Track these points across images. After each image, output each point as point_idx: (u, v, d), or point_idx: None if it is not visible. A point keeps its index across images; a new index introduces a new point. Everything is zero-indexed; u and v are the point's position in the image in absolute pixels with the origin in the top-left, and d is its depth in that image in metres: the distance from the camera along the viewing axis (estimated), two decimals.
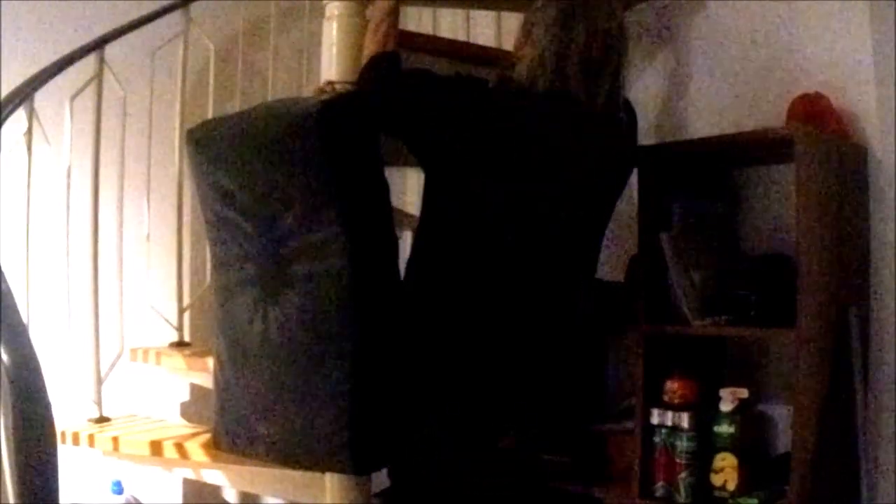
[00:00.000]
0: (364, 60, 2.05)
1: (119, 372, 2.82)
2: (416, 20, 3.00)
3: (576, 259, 2.00)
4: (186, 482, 3.06)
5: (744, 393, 2.10)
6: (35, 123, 2.58)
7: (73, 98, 2.72)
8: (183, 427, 2.82)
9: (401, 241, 2.02)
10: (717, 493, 2.09)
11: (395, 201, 2.05)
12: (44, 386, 1.61)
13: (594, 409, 2.43)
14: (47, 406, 1.59)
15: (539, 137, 1.92)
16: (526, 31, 1.97)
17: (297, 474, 2.17)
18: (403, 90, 1.99)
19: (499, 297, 1.90)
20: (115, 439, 2.57)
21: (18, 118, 2.51)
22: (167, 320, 2.94)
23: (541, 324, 1.93)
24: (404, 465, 1.96)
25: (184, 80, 2.94)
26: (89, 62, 2.69)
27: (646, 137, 2.51)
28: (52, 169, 2.74)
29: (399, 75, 2.01)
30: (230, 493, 3.25)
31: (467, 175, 1.94)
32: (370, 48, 2.03)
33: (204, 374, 2.59)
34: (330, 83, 2.10)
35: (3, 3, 2.85)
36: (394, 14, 2.05)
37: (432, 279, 1.96)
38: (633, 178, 2.29)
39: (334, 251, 1.93)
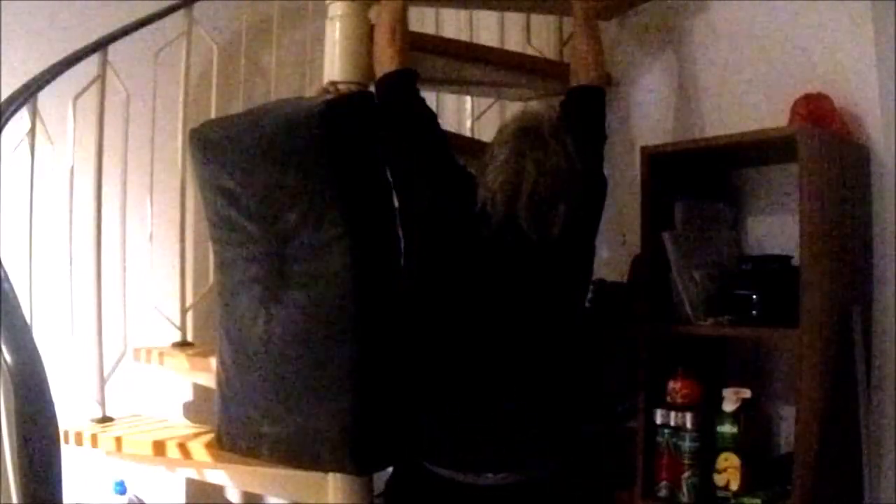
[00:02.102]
0: (380, 63, 2.03)
1: (122, 372, 2.82)
2: (419, 21, 2.99)
3: (576, 258, 2.00)
4: (189, 482, 3.06)
5: (746, 393, 2.10)
6: (38, 123, 2.57)
7: (76, 98, 2.73)
8: (186, 427, 2.82)
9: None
10: (720, 493, 2.09)
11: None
12: (47, 386, 1.61)
13: (595, 410, 2.43)
14: (50, 406, 1.59)
15: None
16: (485, 163, 1.90)
17: (300, 474, 2.17)
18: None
19: (499, 297, 1.90)
20: (119, 439, 2.57)
21: (22, 118, 2.51)
22: (170, 320, 2.94)
23: (541, 323, 1.92)
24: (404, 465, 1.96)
25: (187, 81, 2.94)
26: (92, 62, 2.69)
27: (649, 138, 2.51)
28: (55, 169, 2.74)
29: (412, 113, 2.00)
30: (233, 493, 3.25)
31: None
32: (387, 54, 2.01)
33: (207, 374, 2.59)
34: (333, 83, 2.11)
35: (5, 2, 2.85)
36: (404, 16, 2.05)
37: (431, 279, 1.96)
38: (636, 178, 2.30)
39: (336, 251, 1.93)
